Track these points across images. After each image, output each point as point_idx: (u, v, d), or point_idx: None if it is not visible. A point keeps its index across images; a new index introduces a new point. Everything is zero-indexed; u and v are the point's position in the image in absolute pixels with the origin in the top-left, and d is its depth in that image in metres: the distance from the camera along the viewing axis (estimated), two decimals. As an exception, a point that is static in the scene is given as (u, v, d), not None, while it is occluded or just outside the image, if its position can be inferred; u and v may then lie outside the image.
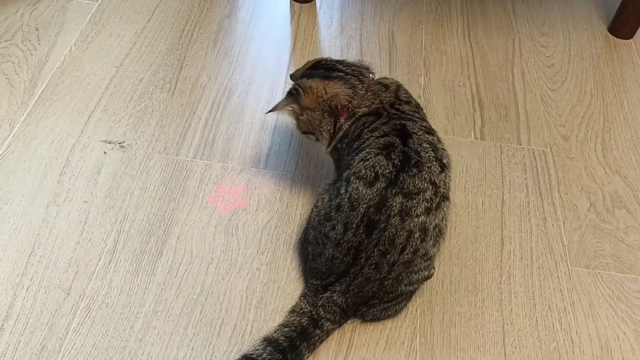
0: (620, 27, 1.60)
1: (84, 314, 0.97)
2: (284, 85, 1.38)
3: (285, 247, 1.08)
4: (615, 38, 1.60)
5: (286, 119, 1.30)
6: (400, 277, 0.92)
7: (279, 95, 1.35)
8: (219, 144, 1.24)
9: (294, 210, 1.14)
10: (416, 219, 0.88)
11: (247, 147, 1.24)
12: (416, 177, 0.89)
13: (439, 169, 0.92)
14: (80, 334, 0.95)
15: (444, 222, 0.92)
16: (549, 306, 1.04)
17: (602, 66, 1.51)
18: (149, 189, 1.15)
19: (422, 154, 0.91)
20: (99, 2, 1.55)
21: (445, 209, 0.92)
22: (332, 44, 1.50)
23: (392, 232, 0.88)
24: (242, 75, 1.39)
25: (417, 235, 0.89)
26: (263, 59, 1.44)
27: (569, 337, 1.00)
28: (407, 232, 0.88)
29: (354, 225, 0.89)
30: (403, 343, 0.97)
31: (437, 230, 0.91)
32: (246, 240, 1.08)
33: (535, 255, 1.10)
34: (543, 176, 1.24)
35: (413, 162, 0.90)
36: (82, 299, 0.99)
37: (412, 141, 0.92)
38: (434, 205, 0.89)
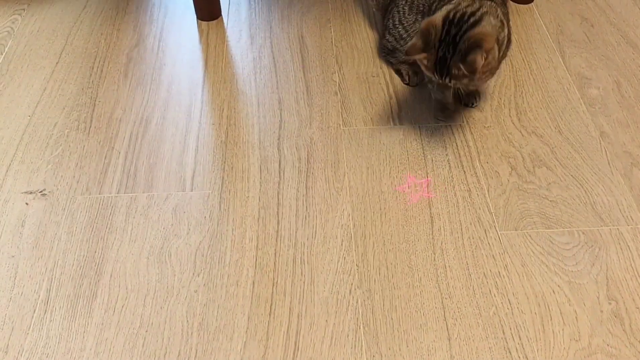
0: (519, -6, 1.65)
1: (24, 370, 0.95)
2: (201, 105, 1.38)
3: (221, 264, 1.08)
4: (516, 4, 1.65)
5: (208, 137, 1.30)
6: None
7: (197, 115, 1.36)
8: (141, 175, 1.23)
9: (225, 226, 1.14)
10: None
11: (170, 172, 1.24)
12: None
13: None
14: (22, 390, 0.93)
15: None
16: (484, 273, 1.06)
17: (507, 34, 1.55)
18: (76, 232, 1.13)
19: None
20: (4, 54, 1.53)
21: None
22: (244, 56, 1.51)
23: None
24: (157, 102, 1.39)
25: None
26: (176, 82, 1.45)
27: (506, 300, 1.03)
28: None
29: None
30: (348, 336, 0.99)
31: None
32: (180, 265, 1.08)
33: (464, 226, 1.13)
34: (463, 149, 1.27)
35: None
36: (21, 354, 0.97)
37: None
38: None
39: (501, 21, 1.18)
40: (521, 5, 1.65)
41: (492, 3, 1.20)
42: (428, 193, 1.17)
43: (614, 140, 1.28)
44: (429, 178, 1.20)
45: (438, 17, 1.16)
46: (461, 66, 1.13)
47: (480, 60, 1.10)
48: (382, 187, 1.20)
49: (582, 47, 1.50)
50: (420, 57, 1.17)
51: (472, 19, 1.14)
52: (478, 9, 1.16)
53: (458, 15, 1.15)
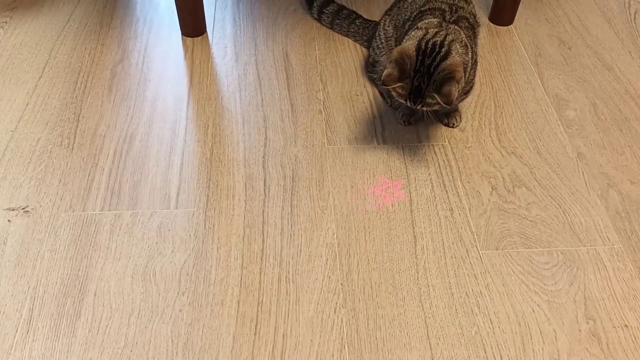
0: (499, 15, 1.69)
1: (6, 391, 0.95)
2: (185, 121, 1.39)
3: (206, 283, 1.08)
4: (496, 26, 1.69)
5: (193, 154, 1.31)
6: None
7: (182, 132, 1.36)
8: (125, 192, 1.23)
9: (210, 245, 1.14)
10: None
11: (155, 189, 1.24)
12: None
13: None
14: (4, 412, 0.92)
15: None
16: (466, 292, 1.08)
17: (488, 54, 1.59)
18: (59, 250, 1.13)
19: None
20: (-15, 67, 1.51)
21: None
22: (229, 73, 1.52)
23: None
24: (141, 119, 1.39)
25: None
26: (161, 98, 1.45)
27: (488, 319, 1.05)
28: None
29: None
30: (332, 356, 0.99)
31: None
32: (165, 284, 1.08)
33: (447, 245, 1.15)
34: (445, 169, 1.29)
35: None
36: (2, 376, 0.96)
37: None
38: None
39: (465, 45, 1.23)
40: (501, 27, 1.69)
41: (456, 27, 1.25)
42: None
43: (591, 162, 1.31)
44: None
45: (410, 46, 1.20)
46: (436, 96, 1.18)
47: (455, 91, 1.15)
48: (366, 205, 1.22)
49: (560, 69, 1.54)
50: (396, 87, 1.21)
51: (443, 50, 1.19)
52: (445, 38, 1.20)
53: (430, 45, 1.19)
